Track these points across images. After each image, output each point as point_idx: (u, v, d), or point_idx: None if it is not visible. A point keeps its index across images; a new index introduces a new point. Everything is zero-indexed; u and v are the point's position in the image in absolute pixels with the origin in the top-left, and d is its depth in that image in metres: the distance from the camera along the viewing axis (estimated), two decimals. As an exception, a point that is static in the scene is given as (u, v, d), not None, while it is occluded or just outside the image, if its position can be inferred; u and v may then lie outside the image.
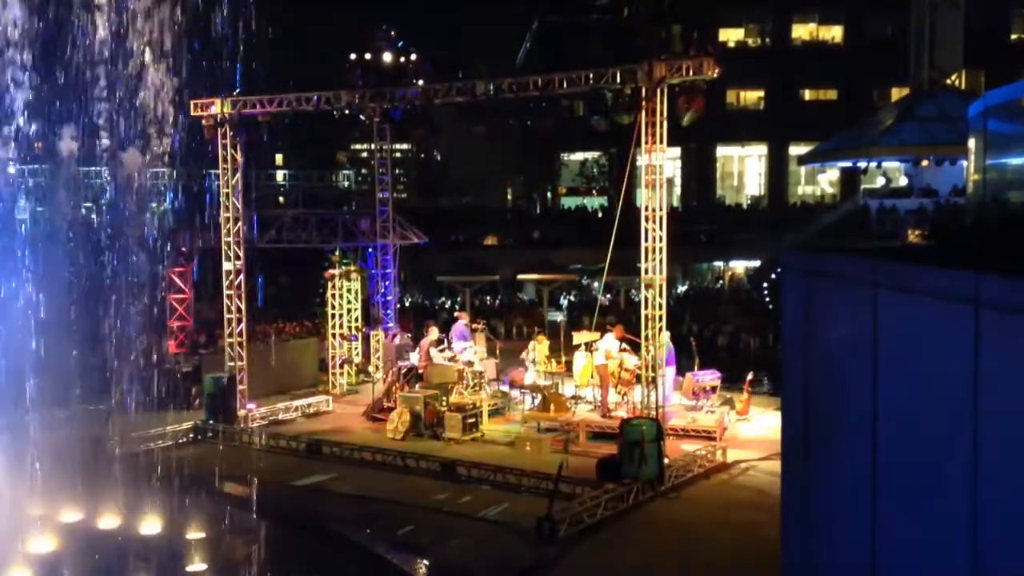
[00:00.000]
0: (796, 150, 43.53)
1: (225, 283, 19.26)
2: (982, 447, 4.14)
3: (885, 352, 5.12)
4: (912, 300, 4.82)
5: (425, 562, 11.27)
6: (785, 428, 7.11)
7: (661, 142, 15.28)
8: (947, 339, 4.43)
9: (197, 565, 11.43)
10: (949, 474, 4.40)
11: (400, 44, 20.01)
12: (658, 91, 15.10)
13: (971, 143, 10.55)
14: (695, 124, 15.67)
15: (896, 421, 5.03)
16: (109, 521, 12.90)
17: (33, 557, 11.41)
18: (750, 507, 13.12)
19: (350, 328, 22.97)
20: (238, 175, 19.16)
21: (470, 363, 19.52)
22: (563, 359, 19.76)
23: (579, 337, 19.12)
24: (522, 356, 19.69)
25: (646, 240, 15.51)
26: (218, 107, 18.73)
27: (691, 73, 14.95)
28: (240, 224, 19.23)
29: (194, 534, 12.44)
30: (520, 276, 35.11)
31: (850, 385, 5.58)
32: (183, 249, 23.03)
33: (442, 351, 19.51)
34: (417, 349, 20.34)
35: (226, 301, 19.27)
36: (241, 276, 19.28)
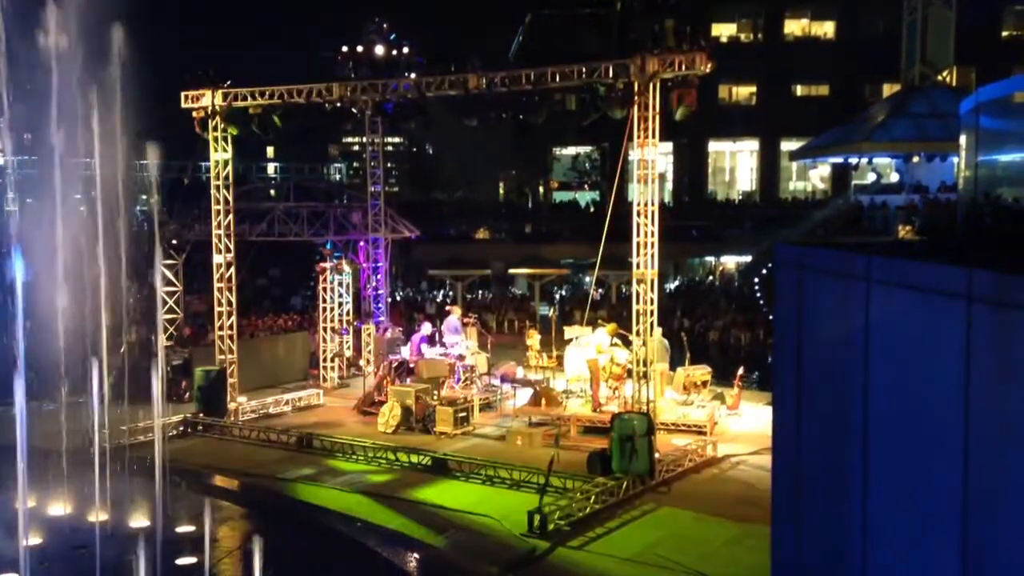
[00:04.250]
0: (788, 146, 43.65)
1: (215, 276, 19.18)
2: (972, 439, 4.14)
3: (877, 346, 5.13)
4: (904, 295, 4.82)
5: (415, 555, 11.26)
6: (776, 422, 7.12)
7: (653, 137, 15.27)
8: (939, 333, 4.43)
9: (187, 558, 11.39)
10: (940, 466, 4.41)
11: (392, 37, 19.94)
12: (650, 86, 15.08)
13: (963, 139, 10.59)
14: (687, 119, 15.67)
15: (887, 414, 5.04)
16: (97, 516, 12.85)
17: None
18: (741, 501, 13.15)
19: (341, 322, 22.92)
20: (228, 167, 19.07)
21: (461, 357, 19.51)
22: (554, 353, 19.75)
23: (570, 331, 19.12)
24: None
25: (638, 235, 15.51)
26: (208, 98, 18.62)
27: (683, 68, 14.94)
28: (231, 217, 19.15)
29: (183, 528, 12.40)
30: (512, 270, 35.10)
31: (842, 378, 5.58)
32: (174, 242, 22.92)
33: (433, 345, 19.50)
34: (408, 343, 20.33)
35: (216, 294, 19.19)
36: (232, 269, 19.21)
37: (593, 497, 12.87)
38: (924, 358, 4.59)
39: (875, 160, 31.70)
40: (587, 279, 35.12)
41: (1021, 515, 3.77)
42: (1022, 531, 3.77)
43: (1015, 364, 3.82)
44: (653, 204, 15.47)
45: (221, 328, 19.16)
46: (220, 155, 18.91)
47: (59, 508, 13.08)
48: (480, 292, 36.86)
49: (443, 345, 19.75)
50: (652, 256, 15.47)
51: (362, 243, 23.43)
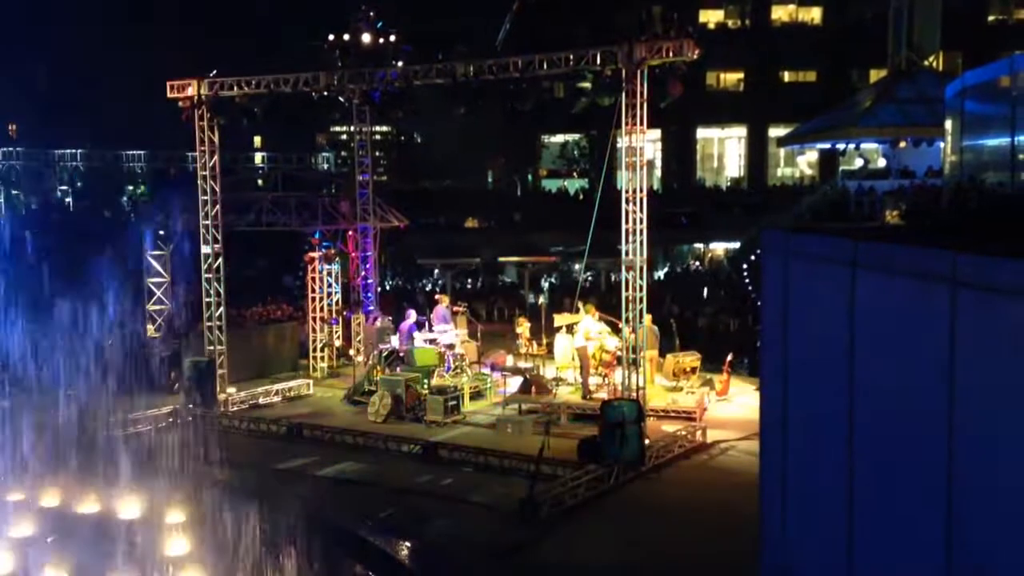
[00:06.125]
0: (776, 132, 43.68)
1: (203, 267, 19.11)
2: (957, 423, 4.18)
3: (862, 331, 5.16)
4: (890, 279, 4.85)
5: (407, 544, 11.29)
6: (764, 407, 7.16)
7: (641, 124, 15.27)
8: (924, 317, 4.46)
9: (177, 549, 11.40)
10: (925, 450, 4.45)
11: (379, 25, 19.81)
12: (638, 73, 15.07)
13: (948, 124, 10.63)
14: (672, 104, 15.69)
15: (873, 399, 5.08)
16: (89, 506, 12.84)
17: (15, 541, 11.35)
18: (729, 486, 13.23)
19: (331, 311, 22.89)
20: (215, 157, 18.98)
21: (451, 346, 19.52)
22: (544, 341, 19.79)
23: (560, 319, 19.16)
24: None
25: (627, 222, 15.52)
26: (194, 88, 18.51)
27: (671, 54, 14.93)
28: (218, 207, 19.07)
29: (174, 518, 12.40)
30: (501, 258, 35.09)
31: (828, 364, 5.62)
32: (161, 232, 22.80)
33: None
34: (397, 332, 20.33)
35: (204, 285, 19.13)
36: (220, 259, 19.14)
37: (583, 484, 12.92)
38: (909, 342, 4.63)
39: (862, 146, 31.73)
40: (576, 267, 35.15)
41: (1002, 495, 3.82)
42: (1004, 509, 3.82)
43: (998, 348, 3.85)
44: (641, 191, 15.49)
45: (210, 319, 19.11)
46: (206, 145, 18.81)
47: (48, 499, 13.06)
48: (469, 280, 36.84)
49: (433, 333, 19.75)
50: (641, 243, 15.49)
51: (351, 232, 23.37)
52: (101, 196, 56.79)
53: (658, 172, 48.32)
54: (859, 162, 33.32)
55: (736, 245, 35.65)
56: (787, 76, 46.85)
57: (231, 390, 19.32)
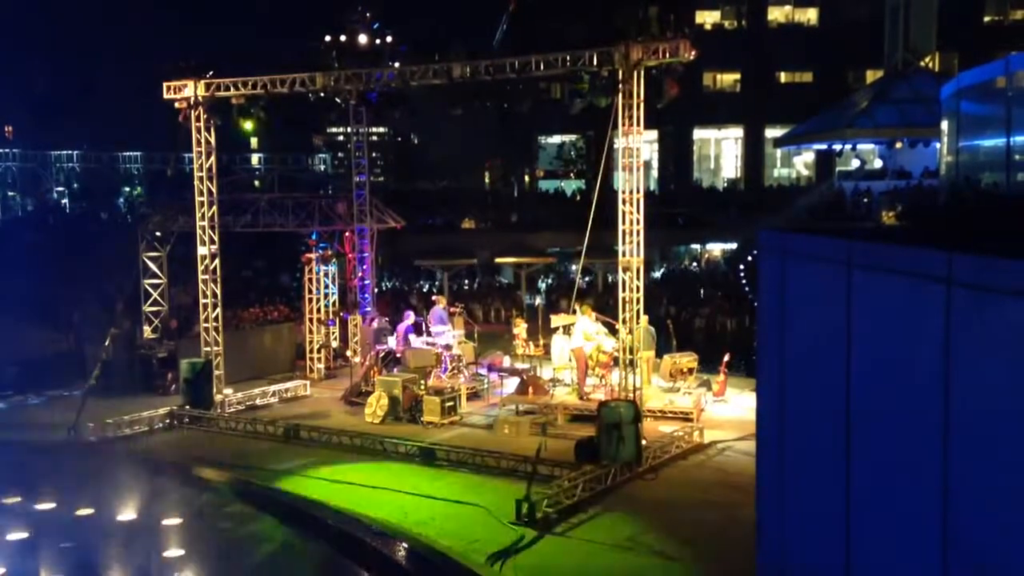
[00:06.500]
0: (772, 132, 43.80)
1: (200, 268, 19.09)
2: (952, 422, 4.19)
3: (859, 330, 5.17)
4: (885, 279, 4.86)
5: (404, 545, 11.29)
6: (761, 407, 7.17)
7: (638, 125, 15.27)
8: (919, 317, 4.47)
9: (174, 551, 11.39)
10: (921, 448, 4.45)
11: (375, 25, 19.83)
12: (635, 73, 15.07)
13: (944, 125, 10.65)
14: (670, 104, 15.70)
15: (869, 398, 5.09)
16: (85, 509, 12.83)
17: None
18: (727, 486, 13.24)
19: (327, 312, 22.87)
20: (212, 158, 18.95)
21: (448, 347, 19.52)
22: (541, 342, 19.78)
23: (557, 320, 19.16)
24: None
25: (623, 223, 15.52)
26: (191, 89, 18.49)
27: (667, 55, 14.93)
28: (214, 208, 19.05)
29: (170, 520, 12.40)
30: (498, 259, 35.08)
31: (824, 363, 5.62)
32: (158, 233, 22.76)
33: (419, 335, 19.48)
34: (395, 333, 20.32)
35: (201, 286, 19.11)
36: (216, 261, 19.12)
37: (581, 485, 12.92)
38: (905, 342, 4.63)
39: (859, 146, 31.81)
40: (573, 267, 35.17)
41: (997, 493, 3.82)
42: (999, 508, 3.82)
43: (994, 347, 3.86)
44: (638, 192, 15.48)
45: (206, 320, 19.09)
46: (203, 145, 18.78)
47: (44, 502, 13.05)
48: (466, 281, 36.83)
49: (430, 335, 19.75)
50: (638, 244, 15.49)
51: (348, 233, 23.35)
52: (97, 198, 56.70)
53: (655, 173, 48.37)
54: (855, 163, 33.39)
55: (733, 246, 35.72)
56: (783, 77, 46.93)
57: (228, 391, 19.30)
